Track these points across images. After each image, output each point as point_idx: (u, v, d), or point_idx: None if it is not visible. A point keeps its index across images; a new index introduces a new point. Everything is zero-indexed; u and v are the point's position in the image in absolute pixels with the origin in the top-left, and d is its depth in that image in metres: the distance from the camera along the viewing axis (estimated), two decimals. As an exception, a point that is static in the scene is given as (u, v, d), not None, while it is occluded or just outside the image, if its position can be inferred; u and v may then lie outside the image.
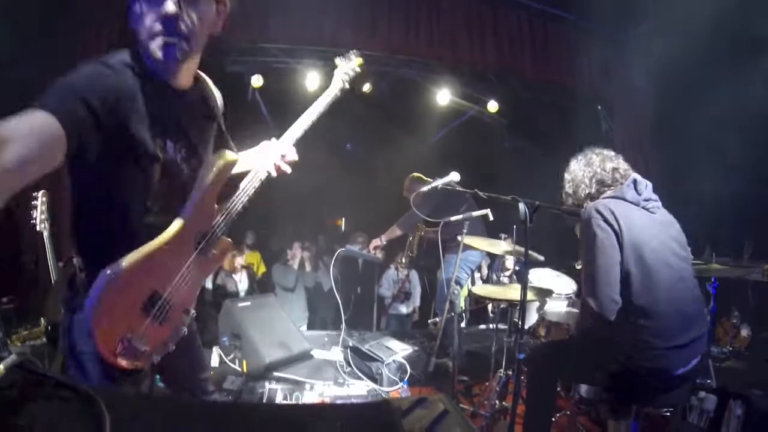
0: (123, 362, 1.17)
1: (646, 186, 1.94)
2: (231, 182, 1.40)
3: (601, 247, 1.77)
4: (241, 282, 4.86)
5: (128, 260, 1.13)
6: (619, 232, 1.77)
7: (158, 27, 1.11)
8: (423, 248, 4.02)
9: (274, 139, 1.58)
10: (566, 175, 2.12)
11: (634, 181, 1.94)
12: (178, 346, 1.32)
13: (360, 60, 1.82)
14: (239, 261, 4.86)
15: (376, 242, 3.94)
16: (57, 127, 0.94)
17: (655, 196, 1.94)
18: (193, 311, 1.38)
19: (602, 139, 4.61)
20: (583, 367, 1.97)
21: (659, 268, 1.77)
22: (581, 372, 2.05)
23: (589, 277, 1.79)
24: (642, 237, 1.78)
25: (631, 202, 1.88)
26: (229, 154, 1.35)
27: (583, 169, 2.05)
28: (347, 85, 1.78)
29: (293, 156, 1.54)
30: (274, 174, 1.48)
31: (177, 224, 1.23)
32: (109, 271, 1.10)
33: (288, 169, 1.52)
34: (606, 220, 1.79)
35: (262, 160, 1.48)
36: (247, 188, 1.41)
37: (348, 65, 1.82)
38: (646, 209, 1.89)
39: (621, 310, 1.75)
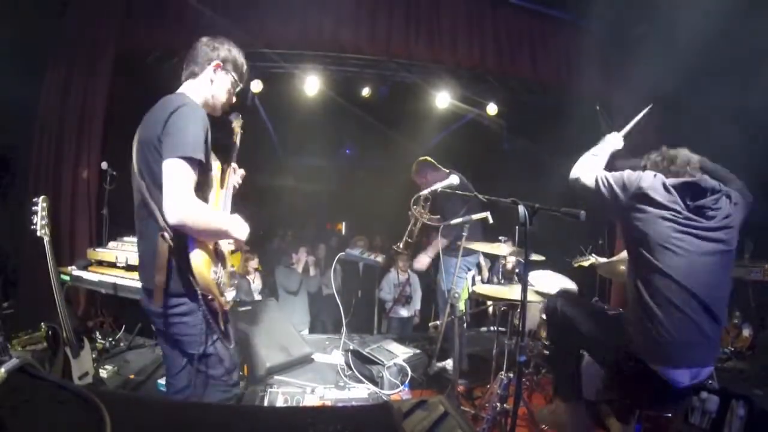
0: (215, 289, 1.62)
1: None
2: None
3: (613, 180, 1.87)
4: (255, 282, 4.89)
5: None
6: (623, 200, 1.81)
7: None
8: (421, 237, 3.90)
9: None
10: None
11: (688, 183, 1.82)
12: None
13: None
14: (252, 264, 4.91)
15: (423, 260, 3.67)
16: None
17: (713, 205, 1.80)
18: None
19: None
20: (596, 340, 1.98)
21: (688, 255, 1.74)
22: (592, 343, 2.05)
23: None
24: (664, 236, 1.75)
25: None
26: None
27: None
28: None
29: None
30: None
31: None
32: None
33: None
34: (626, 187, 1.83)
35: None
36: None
37: (234, 177, 1.95)
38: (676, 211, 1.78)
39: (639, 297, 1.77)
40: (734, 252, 1.81)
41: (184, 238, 1.56)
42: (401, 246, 3.34)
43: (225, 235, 1.68)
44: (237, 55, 1.84)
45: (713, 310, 1.71)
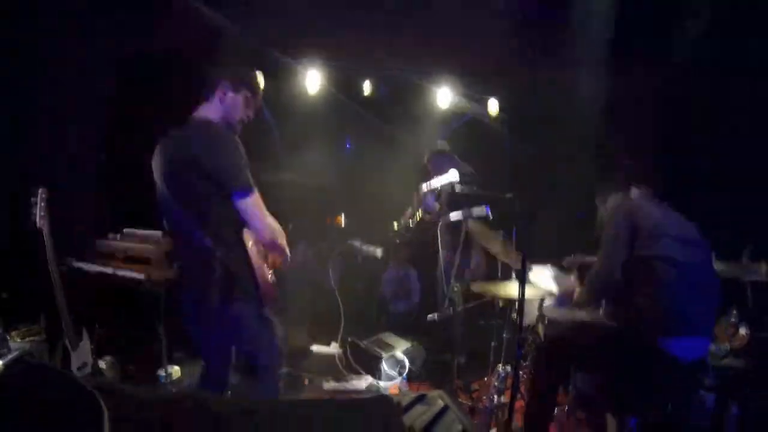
0: (270, 280, 1.88)
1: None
2: None
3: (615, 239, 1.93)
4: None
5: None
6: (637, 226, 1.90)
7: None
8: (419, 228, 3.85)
9: None
10: None
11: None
12: None
13: None
14: None
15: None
16: None
17: None
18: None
19: (603, 139, 4.59)
20: (585, 354, 1.99)
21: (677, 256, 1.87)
22: (583, 359, 2.06)
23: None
24: (662, 227, 1.92)
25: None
26: None
27: None
28: None
29: None
30: None
31: None
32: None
33: None
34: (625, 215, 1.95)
35: None
36: None
37: None
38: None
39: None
40: None
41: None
42: (402, 225, 3.26)
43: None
44: (243, 72, 1.90)
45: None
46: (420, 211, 3.31)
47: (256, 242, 1.87)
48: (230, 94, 1.84)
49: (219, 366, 2.03)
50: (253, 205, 1.74)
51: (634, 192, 2.17)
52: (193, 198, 1.73)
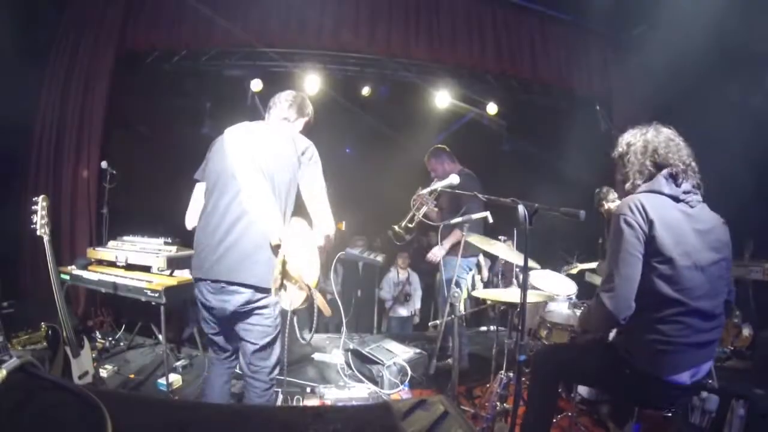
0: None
1: (685, 177, 1.75)
2: None
3: (626, 246, 1.67)
4: None
5: None
6: (647, 231, 1.66)
7: None
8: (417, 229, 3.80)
9: None
10: (616, 151, 1.90)
11: (671, 173, 1.75)
12: None
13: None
14: None
15: (437, 253, 3.54)
16: None
17: (695, 189, 1.78)
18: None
19: (602, 139, 4.60)
20: (586, 370, 1.95)
21: (688, 268, 1.66)
22: (584, 374, 2.03)
23: (610, 275, 1.71)
24: (675, 236, 1.67)
25: (669, 196, 1.74)
26: None
27: (637, 137, 1.84)
28: None
29: None
30: None
31: None
32: None
33: None
34: (635, 217, 1.67)
35: None
36: None
37: None
38: (686, 202, 1.74)
39: (638, 309, 1.67)
40: None
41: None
42: (402, 226, 3.24)
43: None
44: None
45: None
46: (419, 212, 3.29)
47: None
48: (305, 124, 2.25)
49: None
50: (324, 197, 2.13)
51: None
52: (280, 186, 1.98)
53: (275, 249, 1.87)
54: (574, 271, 3.68)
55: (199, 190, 2.08)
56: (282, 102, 2.18)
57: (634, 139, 1.84)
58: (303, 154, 1.99)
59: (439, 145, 3.67)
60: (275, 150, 1.96)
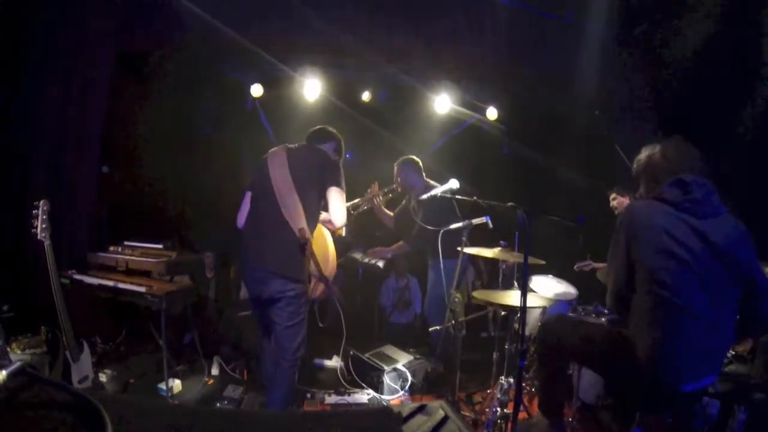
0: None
1: (698, 186, 1.75)
2: None
3: (613, 244, 1.81)
4: None
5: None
6: (633, 237, 1.73)
7: None
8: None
9: None
10: (634, 169, 2.00)
11: (680, 181, 1.77)
12: None
13: None
14: None
15: (380, 253, 3.96)
16: None
17: (710, 200, 1.77)
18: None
19: (602, 143, 4.60)
20: (590, 350, 1.94)
21: (677, 273, 1.67)
22: (587, 354, 2.00)
23: (608, 275, 1.86)
24: (663, 242, 1.67)
25: (670, 203, 1.75)
26: None
27: (648, 150, 1.94)
28: None
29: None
30: None
31: None
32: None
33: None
34: (623, 219, 1.80)
35: None
36: None
37: None
38: (690, 211, 1.73)
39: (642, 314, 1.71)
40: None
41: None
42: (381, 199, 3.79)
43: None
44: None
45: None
46: (365, 205, 3.78)
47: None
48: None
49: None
50: (341, 194, 2.57)
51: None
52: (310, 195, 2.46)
53: (303, 247, 2.28)
54: (587, 269, 3.66)
55: (248, 198, 2.54)
56: (314, 133, 2.72)
57: (644, 154, 1.95)
58: (327, 166, 2.49)
59: (402, 158, 3.80)
60: (306, 167, 2.46)
